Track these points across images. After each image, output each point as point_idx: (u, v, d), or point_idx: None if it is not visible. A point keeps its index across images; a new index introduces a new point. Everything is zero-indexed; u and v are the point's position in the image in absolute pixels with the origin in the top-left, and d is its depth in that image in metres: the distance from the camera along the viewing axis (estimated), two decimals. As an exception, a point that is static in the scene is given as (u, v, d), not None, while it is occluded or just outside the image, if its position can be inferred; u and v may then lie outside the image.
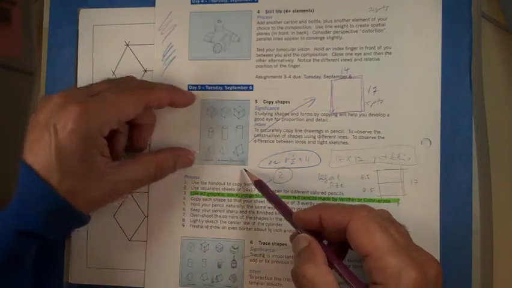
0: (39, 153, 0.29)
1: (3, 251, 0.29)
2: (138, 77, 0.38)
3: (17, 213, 0.29)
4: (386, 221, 0.28)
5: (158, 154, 0.35)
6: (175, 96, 0.35)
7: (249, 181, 0.36)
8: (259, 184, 0.34)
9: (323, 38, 0.36)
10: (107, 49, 0.38)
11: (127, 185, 0.33)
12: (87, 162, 0.30)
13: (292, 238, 0.31)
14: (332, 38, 0.36)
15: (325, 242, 0.30)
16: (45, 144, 0.29)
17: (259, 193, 0.35)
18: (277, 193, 0.35)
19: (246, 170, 0.36)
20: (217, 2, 0.37)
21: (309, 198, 0.35)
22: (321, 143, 0.35)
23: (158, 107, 0.34)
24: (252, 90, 0.36)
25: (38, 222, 0.30)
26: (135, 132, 0.36)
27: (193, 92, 0.37)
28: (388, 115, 0.35)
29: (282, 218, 0.35)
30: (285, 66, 0.36)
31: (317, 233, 0.30)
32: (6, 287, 0.30)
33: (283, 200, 0.34)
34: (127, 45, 0.38)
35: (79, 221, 0.32)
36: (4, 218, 0.29)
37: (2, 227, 0.29)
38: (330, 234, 0.29)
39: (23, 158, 0.28)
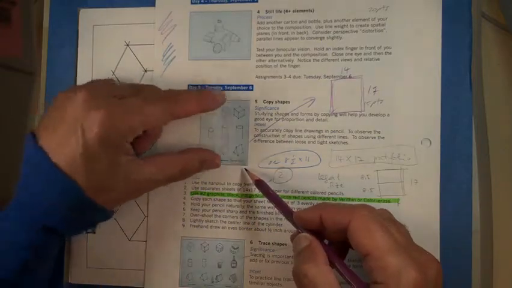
0: (66, 151, 0.29)
1: (28, 246, 0.30)
2: (138, 77, 0.38)
3: (42, 209, 0.29)
4: (387, 220, 0.28)
5: (184, 155, 0.35)
6: (203, 105, 0.35)
7: (249, 181, 0.36)
8: (259, 184, 0.34)
9: (323, 38, 0.36)
10: (107, 49, 0.38)
11: (150, 184, 0.33)
12: (111, 164, 0.30)
13: (293, 238, 0.31)
14: (332, 38, 0.36)
15: (326, 241, 0.30)
16: (72, 143, 0.29)
17: (259, 193, 0.35)
18: (277, 193, 0.35)
19: (246, 170, 0.36)
20: (217, 2, 0.37)
21: (309, 198, 0.35)
22: (321, 143, 0.35)
23: (186, 116, 0.34)
24: (252, 90, 0.36)
25: (63, 218, 0.30)
26: (139, 138, 0.35)
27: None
28: (388, 115, 0.35)
29: (282, 218, 0.35)
30: (285, 66, 0.36)
31: (318, 232, 0.30)
32: (30, 282, 0.30)
33: (285, 199, 0.35)
34: (127, 45, 0.38)
35: (103, 217, 0.33)
36: (29, 214, 0.29)
37: (28, 223, 0.29)
38: (331, 234, 0.29)
39: (49, 155, 0.29)
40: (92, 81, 0.34)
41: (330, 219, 0.28)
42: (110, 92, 0.31)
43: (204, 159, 0.35)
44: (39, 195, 0.29)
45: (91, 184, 0.30)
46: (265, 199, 0.35)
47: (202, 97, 0.35)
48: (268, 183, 0.35)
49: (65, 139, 0.29)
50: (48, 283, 0.33)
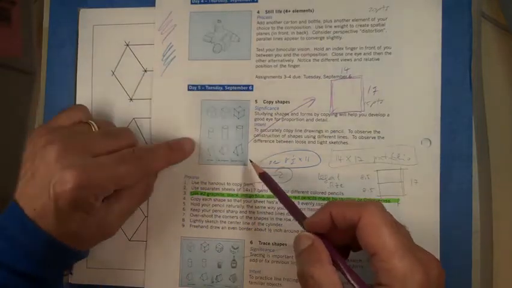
0: (38, 209, 0.30)
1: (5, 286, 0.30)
2: (138, 77, 0.38)
3: (14, 256, 0.30)
4: (394, 220, 0.28)
5: (139, 184, 0.34)
6: (174, 160, 0.36)
7: (249, 181, 0.36)
8: (263, 176, 0.34)
9: (323, 38, 0.36)
10: (107, 49, 0.38)
11: (121, 219, 0.34)
12: (82, 219, 0.31)
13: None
14: (332, 38, 0.36)
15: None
16: (44, 204, 0.30)
17: (259, 193, 0.35)
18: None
19: (251, 162, 0.35)
20: (217, 2, 0.37)
21: (309, 198, 0.35)
22: (321, 143, 0.35)
23: (156, 172, 0.36)
24: (252, 90, 0.36)
25: (37, 264, 0.30)
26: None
27: (193, 92, 0.37)
28: (388, 115, 0.35)
29: (282, 218, 0.35)
30: (285, 66, 0.36)
31: (320, 234, 0.29)
32: None
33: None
34: (127, 45, 0.38)
35: (79, 258, 0.34)
36: (2, 261, 0.30)
37: (4, 265, 0.30)
38: (337, 234, 0.29)
39: (22, 206, 0.30)
40: (68, 130, 0.33)
41: (340, 216, 0.28)
42: (84, 148, 0.31)
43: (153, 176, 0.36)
44: (12, 244, 0.30)
45: (64, 234, 0.30)
46: (265, 199, 0.35)
47: (173, 150, 0.35)
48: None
49: (37, 194, 0.30)
50: None
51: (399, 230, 0.27)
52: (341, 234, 0.29)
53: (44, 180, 0.30)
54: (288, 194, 0.35)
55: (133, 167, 0.32)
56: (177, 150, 0.36)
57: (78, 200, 0.30)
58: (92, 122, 0.33)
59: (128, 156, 0.32)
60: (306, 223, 0.30)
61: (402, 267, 0.25)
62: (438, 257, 0.33)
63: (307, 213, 0.35)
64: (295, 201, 0.35)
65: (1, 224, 0.30)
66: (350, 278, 0.27)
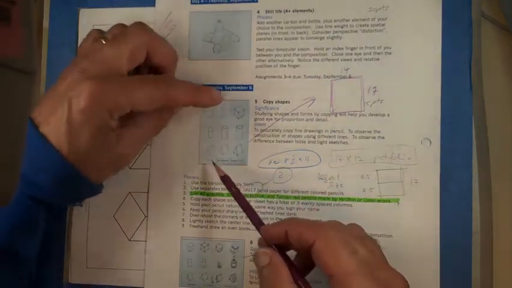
0: (52, 123, 0.29)
1: (17, 216, 0.30)
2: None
3: (29, 180, 0.29)
4: (355, 238, 0.27)
5: (154, 115, 0.34)
6: (199, 99, 0.34)
7: (249, 181, 0.36)
8: (225, 179, 0.34)
9: (323, 38, 0.36)
10: (107, 49, 0.38)
11: (132, 147, 0.33)
12: (95, 138, 0.30)
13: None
14: (332, 38, 0.36)
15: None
16: (59, 116, 0.29)
17: (259, 193, 0.35)
18: (277, 193, 0.35)
19: (214, 163, 0.35)
20: (217, 2, 0.37)
21: (309, 198, 0.35)
22: (321, 143, 0.35)
23: (179, 105, 0.35)
24: (251, 90, 0.36)
25: (51, 189, 0.30)
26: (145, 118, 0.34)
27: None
28: (388, 115, 0.35)
29: (282, 218, 0.35)
30: (285, 66, 0.36)
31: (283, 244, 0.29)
32: (18, 252, 0.30)
33: (284, 199, 0.35)
34: (127, 45, 0.38)
35: (91, 190, 0.33)
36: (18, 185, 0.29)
37: (16, 193, 0.29)
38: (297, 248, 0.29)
39: (39, 125, 0.29)
40: (94, 57, 0.32)
41: (295, 237, 0.28)
42: (107, 68, 0.31)
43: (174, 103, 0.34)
44: (26, 164, 0.29)
45: (75, 156, 0.30)
46: (265, 199, 0.35)
47: (200, 90, 0.34)
48: (268, 183, 0.35)
49: (53, 113, 0.29)
50: (36, 262, 0.33)
51: (358, 249, 0.26)
52: (303, 249, 0.28)
53: (62, 93, 0.30)
54: (288, 194, 0.35)
55: (153, 91, 0.31)
56: (204, 92, 0.35)
57: (92, 113, 0.29)
58: (103, 39, 0.32)
59: (152, 79, 0.32)
60: (263, 229, 0.30)
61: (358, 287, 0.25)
62: (438, 256, 0.33)
63: (308, 214, 0.36)
64: (296, 201, 0.35)
65: None
66: None
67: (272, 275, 0.28)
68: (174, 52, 0.35)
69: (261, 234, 0.30)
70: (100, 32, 0.33)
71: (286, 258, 0.29)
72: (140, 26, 0.33)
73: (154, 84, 0.32)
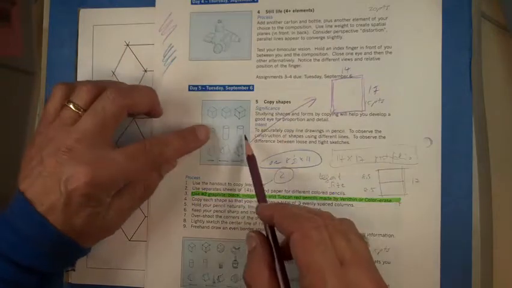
0: (47, 204, 0.29)
1: (7, 285, 0.30)
2: (138, 77, 0.38)
3: (21, 250, 0.29)
4: (337, 233, 0.26)
5: (142, 182, 0.34)
6: (187, 149, 0.35)
7: (250, 181, 0.35)
8: (250, 159, 0.34)
9: (324, 37, 0.36)
10: (107, 49, 0.38)
11: (121, 217, 0.33)
12: (91, 217, 0.31)
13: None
14: (333, 38, 0.36)
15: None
16: (55, 198, 0.29)
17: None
18: (278, 193, 0.35)
19: (245, 138, 0.35)
20: (217, 3, 0.37)
21: (310, 198, 0.35)
22: (322, 143, 0.35)
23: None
24: (252, 90, 0.36)
25: (48, 261, 0.30)
26: None
27: (194, 92, 0.37)
28: (389, 114, 0.35)
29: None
30: (285, 66, 0.36)
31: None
32: None
33: (286, 199, 0.35)
34: (127, 45, 0.38)
35: (81, 254, 0.33)
36: (8, 254, 0.29)
37: (6, 262, 0.29)
38: None
39: (29, 200, 0.29)
40: (59, 124, 0.31)
41: (278, 225, 0.28)
42: (98, 145, 0.31)
43: (159, 167, 0.35)
44: (19, 236, 0.29)
45: (70, 230, 0.30)
46: (266, 199, 0.35)
47: (186, 142, 0.35)
48: (269, 184, 0.35)
49: (47, 191, 0.29)
50: None
51: (336, 246, 0.26)
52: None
53: (54, 177, 0.29)
54: (289, 194, 0.35)
55: (145, 162, 0.32)
56: (191, 139, 0.35)
57: (90, 196, 0.30)
58: (72, 105, 0.31)
59: (140, 151, 0.32)
60: (258, 207, 0.31)
61: (319, 286, 0.24)
62: (438, 256, 0.33)
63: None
64: (297, 201, 0.35)
65: (10, 218, 0.30)
66: (281, 284, 0.27)
67: (255, 258, 0.28)
68: (151, 97, 0.34)
69: (256, 211, 0.31)
70: (66, 92, 0.32)
71: (274, 240, 0.29)
72: (113, 92, 0.32)
73: (145, 157, 0.32)
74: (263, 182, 0.35)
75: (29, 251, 0.29)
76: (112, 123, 0.31)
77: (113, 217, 0.32)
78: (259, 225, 0.36)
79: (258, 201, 0.32)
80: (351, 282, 0.25)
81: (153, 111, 0.35)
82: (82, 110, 0.31)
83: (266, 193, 0.35)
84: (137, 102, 0.33)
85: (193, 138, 0.35)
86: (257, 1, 0.37)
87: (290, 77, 0.36)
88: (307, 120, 0.35)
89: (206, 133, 0.36)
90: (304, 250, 0.25)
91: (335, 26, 0.36)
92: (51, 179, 0.29)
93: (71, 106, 0.31)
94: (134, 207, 0.34)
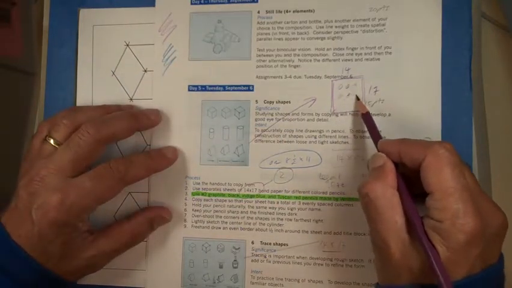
0: (23, 235, 0.30)
1: None
2: (138, 77, 0.38)
3: (3, 285, 0.30)
4: (465, 165, 0.27)
5: (132, 221, 0.35)
6: (154, 167, 0.35)
7: (250, 181, 0.36)
8: (365, 117, 0.34)
9: (324, 38, 0.36)
10: (107, 49, 0.38)
11: (104, 257, 0.34)
12: (67, 245, 0.31)
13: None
14: (333, 38, 0.36)
15: None
16: (28, 229, 0.30)
17: (260, 193, 0.35)
18: (278, 193, 0.35)
19: (358, 99, 0.35)
20: (217, 3, 0.37)
21: (310, 198, 0.35)
22: (322, 143, 0.35)
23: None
24: (252, 90, 0.36)
25: None
26: None
27: (194, 92, 0.37)
28: (389, 115, 0.35)
29: (283, 218, 0.35)
30: (285, 66, 0.36)
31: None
32: None
33: (286, 200, 0.35)
34: (127, 45, 0.38)
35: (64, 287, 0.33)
36: None
37: None
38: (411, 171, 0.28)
39: (7, 232, 0.30)
40: (37, 157, 0.33)
41: (408, 155, 0.27)
42: (57, 171, 0.31)
43: (152, 219, 0.36)
44: (3, 270, 0.30)
45: (49, 261, 0.31)
46: (266, 199, 0.36)
47: (152, 160, 0.35)
48: (269, 184, 0.35)
49: (22, 226, 0.30)
50: None
51: (465, 174, 0.26)
52: (415, 171, 0.27)
53: (26, 207, 0.30)
54: (289, 194, 0.35)
55: (111, 181, 0.32)
56: (158, 158, 0.35)
57: (61, 223, 0.30)
58: (52, 140, 0.33)
59: (105, 171, 0.32)
60: (379, 143, 0.30)
61: (454, 209, 0.25)
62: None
63: (309, 214, 0.36)
64: (297, 201, 0.35)
65: None
66: (405, 209, 0.27)
67: (379, 175, 0.28)
68: (135, 122, 0.35)
69: (377, 148, 0.30)
70: (48, 128, 0.34)
71: (397, 170, 0.28)
72: (89, 127, 0.32)
73: (111, 176, 0.32)
74: (264, 182, 0.36)
75: (9, 285, 0.30)
76: (86, 157, 0.32)
77: (95, 254, 0.33)
78: (260, 225, 0.36)
79: (374, 141, 0.31)
80: (481, 211, 0.25)
81: (143, 129, 0.36)
82: (60, 144, 0.33)
83: (266, 193, 0.36)
84: (118, 131, 0.34)
85: (160, 156, 0.36)
86: (257, 1, 0.37)
87: (290, 77, 0.36)
88: (308, 120, 0.35)
89: (174, 152, 0.36)
90: (437, 172, 0.26)
91: (335, 26, 0.36)
92: (24, 209, 0.30)
93: (51, 141, 0.33)
94: (119, 251, 0.34)
